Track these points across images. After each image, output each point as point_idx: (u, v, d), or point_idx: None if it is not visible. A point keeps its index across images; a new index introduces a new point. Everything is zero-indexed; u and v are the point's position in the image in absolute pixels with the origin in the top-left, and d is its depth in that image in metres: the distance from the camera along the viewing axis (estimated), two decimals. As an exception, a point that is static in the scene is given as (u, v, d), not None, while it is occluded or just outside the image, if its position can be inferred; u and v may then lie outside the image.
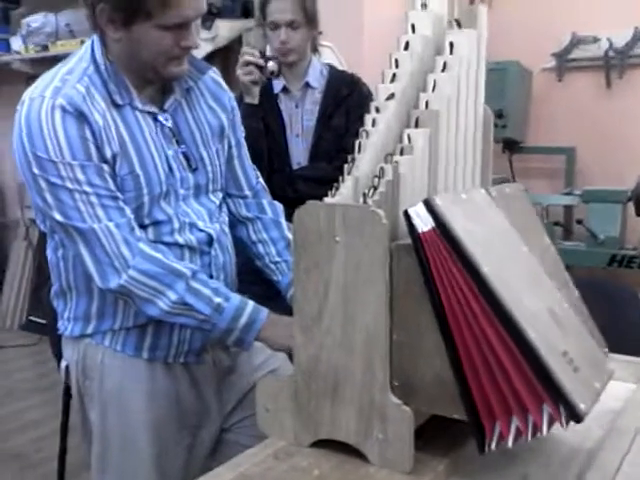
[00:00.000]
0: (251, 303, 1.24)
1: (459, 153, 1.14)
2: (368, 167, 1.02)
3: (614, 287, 2.34)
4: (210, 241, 1.31)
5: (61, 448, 2.39)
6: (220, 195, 1.39)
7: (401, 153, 1.01)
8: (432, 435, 0.98)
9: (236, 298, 1.23)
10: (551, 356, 0.82)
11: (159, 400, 1.30)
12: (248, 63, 2.04)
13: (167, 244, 1.26)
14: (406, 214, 0.89)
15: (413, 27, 1.16)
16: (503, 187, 1.14)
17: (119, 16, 1.16)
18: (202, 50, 3.21)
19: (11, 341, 4.24)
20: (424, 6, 1.17)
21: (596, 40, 2.83)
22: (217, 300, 1.22)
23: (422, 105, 1.07)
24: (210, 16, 3.21)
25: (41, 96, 1.18)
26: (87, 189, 1.17)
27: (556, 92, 2.95)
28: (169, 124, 1.29)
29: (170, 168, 1.27)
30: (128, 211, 1.21)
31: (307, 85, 2.19)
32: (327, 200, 0.97)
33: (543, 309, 0.89)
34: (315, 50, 2.27)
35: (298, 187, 2.12)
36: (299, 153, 2.17)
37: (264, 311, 1.24)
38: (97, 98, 1.20)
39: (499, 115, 2.76)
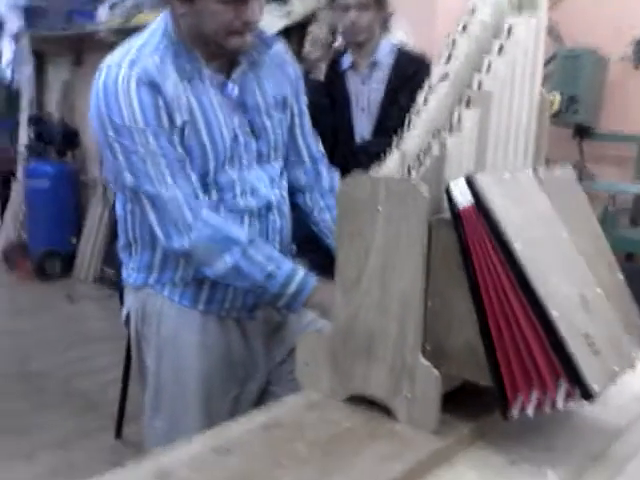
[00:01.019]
0: (301, 271, 1.31)
1: (511, 135, 1.17)
2: (416, 143, 1.07)
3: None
4: (269, 206, 1.39)
5: (122, 392, 2.55)
6: (281, 163, 1.46)
7: (450, 131, 1.06)
8: (462, 401, 1.03)
9: (288, 266, 1.31)
10: (571, 336, 0.85)
11: (210, 350, 1.39)
12: (315, 41, 2.10)
13: (229, 207, 1.35)
14: (447, 189, 0.94)
15: (473, 9, 1.19)
16: (553, 170, 1.16)
17: None
18: (277, 25, 3.29)
19: (87, 292, 4.49)
20: (486, -11, 1.20)
21: (677, 29, 2.75)
22: (269, 268, 1.29)
23: (475, 86, 1.10)
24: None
25: (118, 65, 1.26)
26: (157, 154, 1.26)
27: (632, 80, 2.89)
28: (235, 94, 1.36)
29: (235, 136, 1.35)
30: (194, 177, 1.30)
31: (374, 64, 2.24)
32: (373, 172, 1.02)
33: (572, 291, 0.92)
34: (385, 29, 2.31)
35: (360, 160, 2.17)
36: (363, 128, 2.23)
37: (313, 280, 1.31)
38: (169, 69, 1.28)
39: (572, 100, 2.73)
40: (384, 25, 2.33)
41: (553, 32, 3.02)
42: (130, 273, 1.44)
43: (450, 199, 0.94)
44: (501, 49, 1.13)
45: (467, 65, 1.14)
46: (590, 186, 2.78)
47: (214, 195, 1.34)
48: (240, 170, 1.36)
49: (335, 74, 2.23)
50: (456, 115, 1.07)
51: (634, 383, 1.15)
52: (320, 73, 2.17)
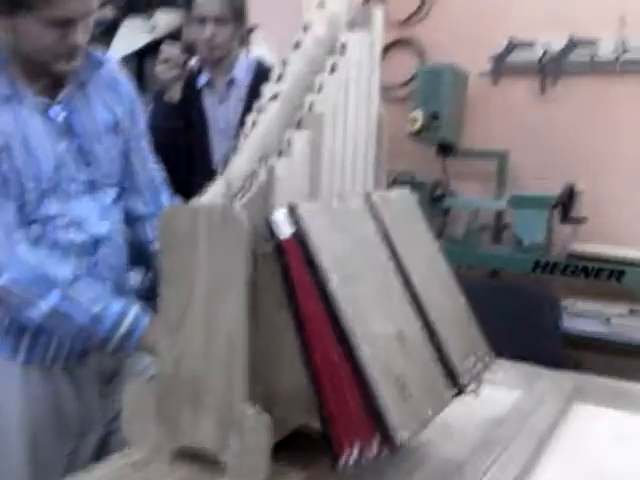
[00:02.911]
0: (133, 311, 1.20)
1: (347, 157, 1.12)
2: (243, 169, 1.00)
3: (533, 293, 2.36)
4: (100, 240, 1.28)
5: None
6: (115, 190, 1.35)
7: (279, 155, 0.99)
8: (296, 445, 0.96)
9: (117, 306, 1.19)
10: (382, 382, 0.81)
11: (36, 405, 1.25)
12: (167, 59, 1.99)
13: (53, 241, 1.22)
14: (269, 218, 0.87)
15: (306, 26, 1.14)
16: (388, 193, 1.13)
17: (1, 5, 1.12)
18: (140, 40, 3.15)
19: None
20: (321, 5, 1.15)
21: (532, 45, 2.84)
22: (95, 309, 1.18)
23: (306, 107, 1.04)
24: (151, 6, 3.15)
25: None
26: None
27: (492, 96, 2.96)
28: (61, 117, 1.25)
29: (61, 163, 1.23)
30: (10, 210, 1.17)
31: (232, 81, 2.16)
32: (193, 201, 0.94)
33: (389, 330, 0.88)
34: (244, 45, 2.24)
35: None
36: (222, 150, 2.14)
37: (146, 319, 1.20)
38: None
39: (434, 117, 2.77)
40: (243, 40, 2.26)
41: (416, 49, 3.07)
42: None
43: (272, 229, 0.87)
44: (333, 67, 1.08)
45: (299, 84, 1.08)
46: (453, 203, 2.83)
47: (36, 228, 1.21)
48: (66, 200, 1.24)
49: (191, 94, 2.13)
50: (286, 138, 1.00)
51: (476, 411, 1.13)
52: (175, 94, 2.06)
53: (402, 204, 1.13)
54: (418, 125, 2.70)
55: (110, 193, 1.33)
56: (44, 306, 1.15)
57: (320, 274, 0.82)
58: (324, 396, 0.82)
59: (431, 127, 2.73)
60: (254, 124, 1.04)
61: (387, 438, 0.79)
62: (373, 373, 0.80)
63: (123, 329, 1.18)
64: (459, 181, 2.96)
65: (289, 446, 0.94)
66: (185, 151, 2.09)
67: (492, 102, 2.97)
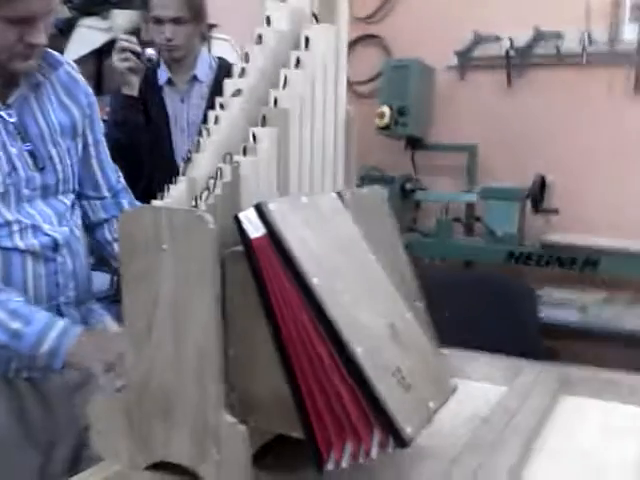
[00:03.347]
0: (57, 326, 1.12)
1: (316, 155, 1.08)
2: (206, 168, 0.96)
3: (509, 283, 2.34)
4: (56, 246, 1.22)
5: None
6: (72, 196, 1.30)
7: (244, 154, 0.95)
8: (279, 452, 0.93)
9: (40, 322, 1.12)
10: (379, 375, 0.77)
11: (0, 417, 1.20)
12: (124, 49, 1.93)
13: (5, 249, 1.17)
14: (237, 219, 0.83)
15: (268, 19, 1.10)
16: (360, 191, 1.09)
17: None
18: (97, 40, 3.09)
19: None
20: (283, -3, 1.11)
21: (498, 39, 2.83)
22: (14, 326, 1.11)
23: (271, 102, 1.01)
24: (107, 5, 3.09)
25: None
26: None
27: (459, 90, 2.95)
28: (12, 120, 1.19)
29: (14, 167, 1.18)
30: None
31: (194, 78, 2.11)
32: (154, 203, 0.89)
33: (380, 323, 0.84)
34: (204, 42, 2.20)
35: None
36: (184, 149, 2.09)
37: (73, 334, 1.12)
38: None
39: (401, 112, 2.74)
40: (203, 38, 2.21)
41: (381, 44, 3.05)
42: None
43: (241, 229, 0.83)
44: (298, 62, 1.04)
45: (262, 80, 1.04)
46: (424, 196, 2.81)
47: None
48: (19, 206, 1.19)
49: (151, 89, 2.08)
50: (251, 135, 0.96)
51: (460, 409, 1.10)
52: (133, 88, 1.99)
53: (373, 202, 1.09)
54: (386, 120, 2.68)
55: (66, 199, 1.28)
56: None
57: (299, 272, 0.78)
58: (309, 399, 0.78)
59: (399, 122, 2.71)
60: (217, 120, 1.00)
61: (394, 435, 0.76)
62: (369, 369, 0.76)
63: (46, 346, 1.11)
64: (429, 175, 2.94)
65: (274, 450, 0.90)
66: (147, 149, 2.03)
67: (459, 96, 2.95)
